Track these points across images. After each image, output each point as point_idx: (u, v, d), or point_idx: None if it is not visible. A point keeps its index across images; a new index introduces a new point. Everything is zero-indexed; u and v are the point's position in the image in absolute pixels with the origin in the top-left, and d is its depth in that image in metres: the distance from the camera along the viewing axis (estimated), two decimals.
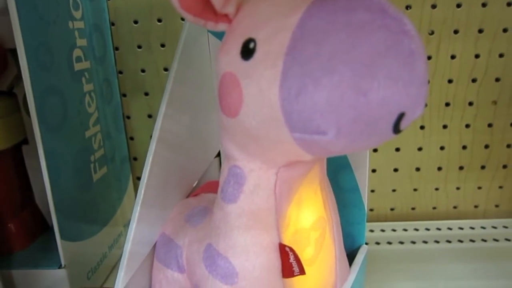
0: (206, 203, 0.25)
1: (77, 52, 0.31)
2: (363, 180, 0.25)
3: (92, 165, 0.33)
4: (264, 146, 0.17)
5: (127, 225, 0.40)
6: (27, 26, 0.25)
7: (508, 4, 0.37)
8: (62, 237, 0.29)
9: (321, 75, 0.13)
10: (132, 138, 0.42)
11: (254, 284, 0.19)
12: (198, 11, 0.17)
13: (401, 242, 0.39)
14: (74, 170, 0.31)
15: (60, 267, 0.30)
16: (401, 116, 0.14)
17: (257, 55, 0.15)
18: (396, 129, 0.14)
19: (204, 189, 0.28)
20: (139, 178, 0.43)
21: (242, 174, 0.18)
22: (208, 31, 0.28)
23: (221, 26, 0.18)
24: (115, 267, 0.37)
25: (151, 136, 0.41)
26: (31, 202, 0.35)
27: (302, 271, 0.19)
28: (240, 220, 0.19)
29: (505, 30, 0.38)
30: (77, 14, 0.31)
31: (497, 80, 0.39)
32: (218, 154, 0.33)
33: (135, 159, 0.43)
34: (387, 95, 0.13)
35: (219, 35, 0.29)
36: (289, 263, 0.19)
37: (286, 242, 0.19)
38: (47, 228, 0.36)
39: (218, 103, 0.18)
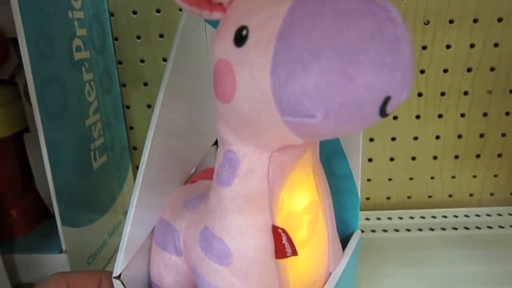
0: (203, 189, 0.26)
1: (76, 42, 0.31)
2: (356, 166, 0.26)
3: (92, 153, 0.34)
4: (257, 130, 0.17)
5: (126, 213, 0.41)
6: (28, 16, 0.25)
7: None
8: (63, 223, 0.30)
9: (310, 61, 0.14)
10: (131, 128, 0.43)
11: (248, 265, 0.20)
12: (193, 0, 0.17)
13: (397, 230, 0.40)
14: (74, 157, 0.31)
15: (60, 252, 0.30)
16: (387, 100, 0.14)
17: (249, 42, 0.16)
18: (383, 112, 0.15)
19: (201, 176, 0.29)
20: (138, 167, 0.44)
21: (236, 159, 0.19)
22: (205, 20, 0.29)
23: (216, 15, 0.18)
24: (115, 253, 0.38)
25: None
26: (32, 189, 0.36)
27: (294, 252, 0.20)
28: (234, 203, 0.19)
29: (500, 20, 0.38)
30: (77, 4, 0.32)
31: (492, 69, 0.39)
32: (216, 143, 0.34)
33: (134, 148, 0.43)
34: (373, 79, 0.14)
35: (216, 25, 0.29)
36: (282, 244, 0.19)
37: (279, 224, 0.20)
38: (48, 215, 0.36)
39: (213, 89, 0.18)
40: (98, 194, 0.35)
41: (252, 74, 0.16)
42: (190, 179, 0.29)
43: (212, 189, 0.21)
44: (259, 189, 0.19)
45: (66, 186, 0.30)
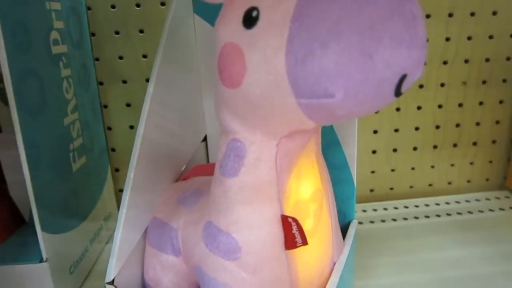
0: (198, 186, 0.25)
1: (54, 35, 0.30)
2: (352, 156, 0.26)
3: (71, 154, 0.32)
4: (266, 115, 0.17)
5: (107, 218, 0.39)
6: (3, 2, 0.23)
7: None
8: (43, 230, 0.28)
9: (329, 39, 0.13)
10: (109, 128, 0.41)
11: (257, 257, 0.19)
12: None
13: (383, 221, 0.40)
14: (53, 158, 0.29)
15: (41, 260, 0.28)
16: (403, 78, 0.14)
17: (260, 23, 0.15)
18: (398, 91, 0.15)
19: (192, 172, 0.28)
20: (117, 170, 0.42)
21: (243, 147, 0.18)
22: (195, 12, 0.28)
23: None
24: (97, 261, 0.36)
25: (130, 126, 0.40)
26: (5, 196, 0.33)
27: (304, 242, 0.19)
28: (241, 194, 0.19)
29: (472, 14, 0.39)
30: None
31: (466, 61, 0.41)
32: (205, 139, 0.33)
33: (113, 150, 0.42)
34: (391, 57, 0.14)
35: (206, 16, 0.28)
36: (292, 234, 0.19)
37: (287, 213, 0.19)
38: (23, 222, 0.34)
39: (218, 75, 0.18)
40: (78, 198, 0.33)
41: (265, 56, 0.15)
42: (181, 176, 0.28)
43: (215, 182, 0.20)
44: (267, 178, 0.19)
45: (46, 190, 0.28)
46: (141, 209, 0.24)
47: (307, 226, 0.20)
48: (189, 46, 0.28)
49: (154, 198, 0.26)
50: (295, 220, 0.19)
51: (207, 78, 0.31)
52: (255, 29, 0.16)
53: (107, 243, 0.38)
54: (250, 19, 0.16)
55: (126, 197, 0.23)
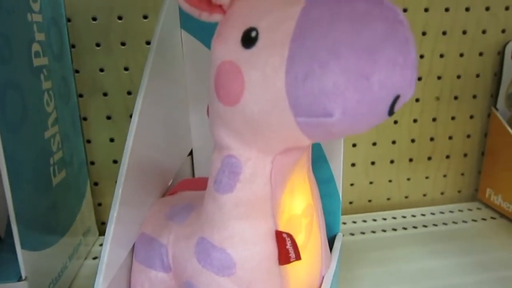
0: (187, 200, 0.25)
1: (35, 47, 0.29)
2: (338, 171, 0.27)
3: (51, 168, 0.31)
4: (264, 133, 0.17)
5: (86, 233, 0.38)
6: None
7: (446, 10, 0.41)
8: (22, 247, 0.27)
9: (329, 60, 0.14)
10: (89, 141, 0.40)
11: (252, 273, 0.19)
12: (195, 1, 0.17)
13: (363, 233, 0.41)
14: (34, 173, 0.28)
15: (20, 279, 0.27)
16: (396, 98, 0.15)
17: (260, 43, 0.16)
18: (391, 111, 0.15)
19: (180, 187, 0.28)
20: (96, 184, 0.41)
21: (238, 163, 0.19)
22: (182, 27, 0.28)
23: (215, 17, 0.18)
24: (76, 277, 0.35)
25: (110, 139, 0.40)
26: None
27: (298, 257, 0.19)
28: (237, 210, 0.19)
29: (444, 33, 0.41)
30: (36, 6, 0.29)
31: (439, 78, 0.43)
32: (190, 153, 0.33)
33: (92, 163, 0.41)
34: (387, 78, 0.14)
35: (193, 31, 0.29)
36: (286, 249, 0.19)
37: (281, 229, 0.19)
38: None
39: (214, 92, 0.18)
40: (57, 213, 0.32)
41: (264, 75, 0.15)
42: (169, 191, 0.28)
43: (208, 198, 0.20)
44: (262, 194, 0.19)
45: (26, 206, 0.27)
46: (128, 224, 0.24)
47: (299, 241, 0.20)
48: (176, 60, 0.28)
49: (141, 213, 0.25)
50: (289, 235, 0.19)
51: (193, 92, 0.31)
52: (254, 49, 0.16)
53: (85, 258, 0.37)
54: (249, 39, 0.16)
55: (114, 212, 0.22)
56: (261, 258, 0.19)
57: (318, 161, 0.26)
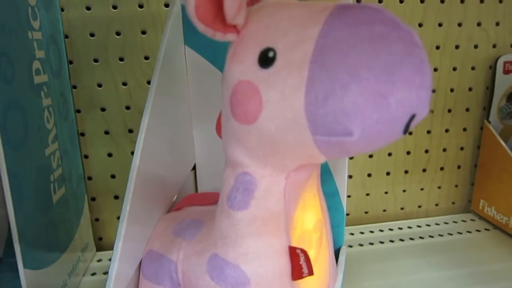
0: (194, 216, 0.25)
1: (36, 64, 0.29)
2: (343, 185, 0.27)
3: (52, 185, 0.31)
4: (280, 150, 0.17)
5: (84, 249, 0.38)
6: None
7: (440, 25, 0.42)
8: (24, 266, 0.26)
9: (349, 81, 0.14)
10: (86, 156, 0.40)
11: None
12: (209, 21, 0.17)
13: (361, 245, 0.41)
14: (35, 191, 0.28)
15: None
16: (412, 118, 0.15)
17: (278, 63, 0.16)
18: (406, 129, 0.16)
19: (185, 202, 0.28)
20: (94, 199, 0.41)
21: (253, 181, 0.19)
22: (185, 43, 0.28)
23: (230, 37, 0.18)
24: None
25: (108, 154, 0.39)
26: None
27: (311, 272, 0.20)
28: (251, 227, 0.19)
29: (437, 47, 0.43)
30: (36, 24, 0.29)
31: (433, 91, 0.44)
32: (194, 168, 0.33)
33: (89, 178, 0.40)
34: (404, 98, 0.15)
35: (197, 47, 0.29)
36: (299, 264, 0.19)
37: (294, 244, 0.20)
38: None
39: (230, 111, 0.18)
40: (57, 230, 0.32)
41: (283, 95, 0.16)
42: (174, 206, 0.28)
43: (221, 214, 0.20)
44: (276, 210, 0.19)
45: (28, 224, 0.27)
46: (136, 241, 0.24)
47: (310, 256, 0.20)
48: (180, 76, 0.29)
49: (148, 229, 0.25)
50: (303, 251, 0.19)
51: (196, 107, 0.31)
52: (272, 69, 0.16)
53: (83, 275, 0.37)
54: (266, 59, 0.16)
55: (122, 229, 0.22)
56: (274, 274, 0.19)
57: (324, 175, 0.27)
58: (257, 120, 0.17)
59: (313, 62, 0.15)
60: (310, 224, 0.21)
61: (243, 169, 0.19)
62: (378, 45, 0.15)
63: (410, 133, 0.45)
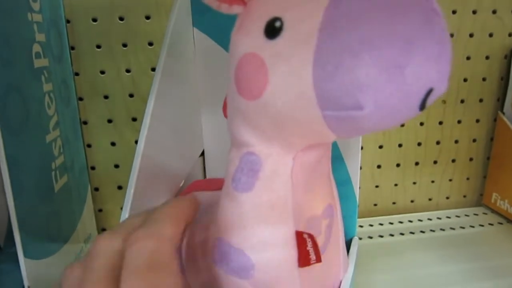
0: (200, 200, 0.24)
1: (36, 48, 0.28)
2: (355, 172, 0.26)
3: (53, 173, 0.30)
4: (287, 128, 0.16)
5: (87, 240, 0.37)
6: None
7: (453, 12, 0.40)
8: (25, 255, 0.26)
9: (361, 50, 0.13)
10: (89, 146, 0.39)
11: (270, 276, 0.18)
12: None
13: (370, 237, 0.40)
14: (36, 178, 0.27)
15: None
16: (429, 92, 0.14)
17: (285, 34, 0.15)
18: (423, 105, 0.15)
19: (192, 188, 0.27)
20: (97, 189, 0.40)
21: (258, 161, 0.18)
22: (194, 25, 0.27)
23: (235, 9, 0.17)
24: None
25: (111, 143, 0.39)
26: None
27: (318, 259, 0.18)
28: (256, 210, 0.18)
29: (451, 35, 0.41)
30: (36, 6, 0.28)
31: None
32: (202, 154, 0.32)
33: (92, 168, 0.39)
34: (422, 70, 0.13)
35: (206, 29, 0.28)
36: (306, 250, 0.18)
37: (301, 229, 0.19)
38: None
39: (235, 87, 0.17)
40: (59, 220, 0.31)
41: (290, 67, 0.15)
42: (181, 192, 0.27)
43: (225, 197, 0.19)
44: (282, 193, 0.18)
45: (28, 213, 0.26)
46: None
47: (318, 243, 0.19)
48: (188, 59, 0.27)
49: None
50: (310, 236, 0.18)
51: (205, 92, 0.30)
52: (279, 40, 0.15)
53: None
54: (273, 30, 0.15)
55: (126, 215, 0.21)
56: (280, 260, 0.18)
57: (335, 161, 0.26)
58: (262, 95, 0.16)
59: (322, 30, 0.14)
60: (319, 210, 0.20)
61: (248, 149, 0.18)
62: (393, 12, 0.13)
63: (422, 124, 0.43)
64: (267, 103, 0.16)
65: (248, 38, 0.16)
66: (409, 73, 0.13)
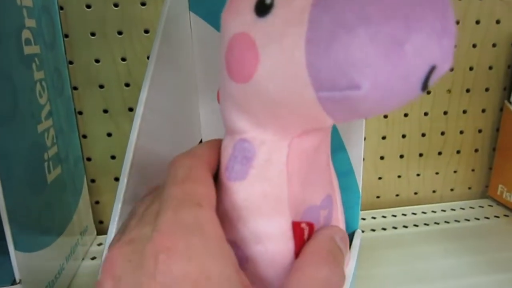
0: None
1: (26, 34, 0.27)
2: (358, 162, 0.25)
3: (46, 164, 0.29)
4: (280, 112, 0.15)
5: (83, 233, 0.36)
6: None
7: None
8: (16, 248, 0.25)
9: (356, 24, 0.12)
10: (85, 136, 0.38)
11: (265, 269, 0.17)
12: None
13: (373, 230, 0.39)
14: (27, 169, 0.26)
15: (14, 282, 0.25)
16: (432, 70, 0.13)
17: (276, 11, 0.14)
18: (425, 85, 0.14)
19: None
20: (93, 181, 0.39)
21: (251, 148, 0.17)
22: (190, 9, 0.26)
23: None
24: (74, 279, 0.33)
25: (107, 134, 0.38)
26: None
27: None
28: (249, 199, 0.17)
29: (457, 22, 0.40)
30: None
31: (451, 69, 0.41)
32: (200, 143, 0.31)
33: (88, 159, 0.39)
34: (423, 46, 0.12)
35: (203, 14, 0.27)
36: (303, 240, 0.17)
37: (297, 220, 0.18)
38: None
39: (225, 70, 0.16)
40: (53, 212, 0.30)
41: (281, 46, 0.14)
42: None
43: (218, 188, 0.18)
44: (277, 182, 0.17)
45: (19, 204, 0.25)
46: None
47: None
48: (184, 45, 0.26)
49: None
50: (309, 224, 0.17)
51: (203, 80, 0.29)
52: (269, 17, 0.14)
53: (83, 259, 0.35)
54: (263, 7, 0.14)
55: (118, 207, 0.20)
56: (275, 252, 0.17)
57: (336, 151, 0.25)
58: (252, 77, 0.15)
59: (315, 6, 0.13)
60: (317, 200, 0.19)
61: (241, 135, 0.17)
62: None
63: (426, 114, 0.42)
64: (258, 85, 0.15)
65: (238, 17, 0.15)
66: (409, 49, 0.12)
